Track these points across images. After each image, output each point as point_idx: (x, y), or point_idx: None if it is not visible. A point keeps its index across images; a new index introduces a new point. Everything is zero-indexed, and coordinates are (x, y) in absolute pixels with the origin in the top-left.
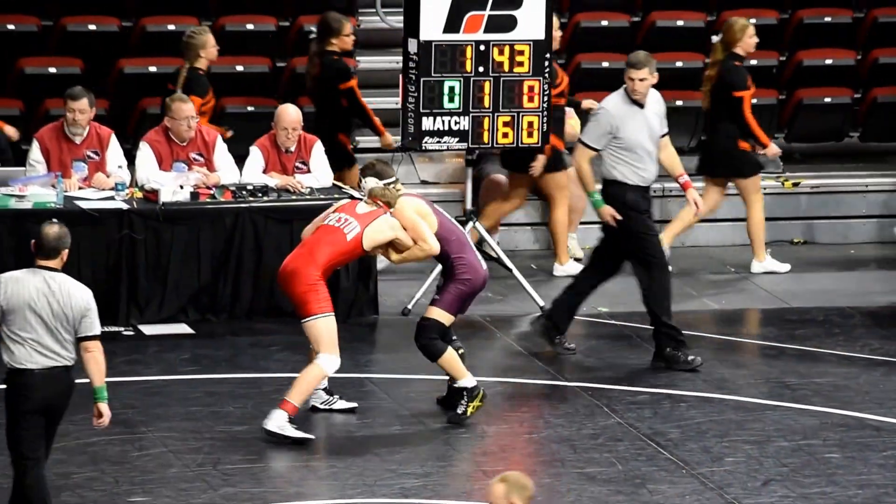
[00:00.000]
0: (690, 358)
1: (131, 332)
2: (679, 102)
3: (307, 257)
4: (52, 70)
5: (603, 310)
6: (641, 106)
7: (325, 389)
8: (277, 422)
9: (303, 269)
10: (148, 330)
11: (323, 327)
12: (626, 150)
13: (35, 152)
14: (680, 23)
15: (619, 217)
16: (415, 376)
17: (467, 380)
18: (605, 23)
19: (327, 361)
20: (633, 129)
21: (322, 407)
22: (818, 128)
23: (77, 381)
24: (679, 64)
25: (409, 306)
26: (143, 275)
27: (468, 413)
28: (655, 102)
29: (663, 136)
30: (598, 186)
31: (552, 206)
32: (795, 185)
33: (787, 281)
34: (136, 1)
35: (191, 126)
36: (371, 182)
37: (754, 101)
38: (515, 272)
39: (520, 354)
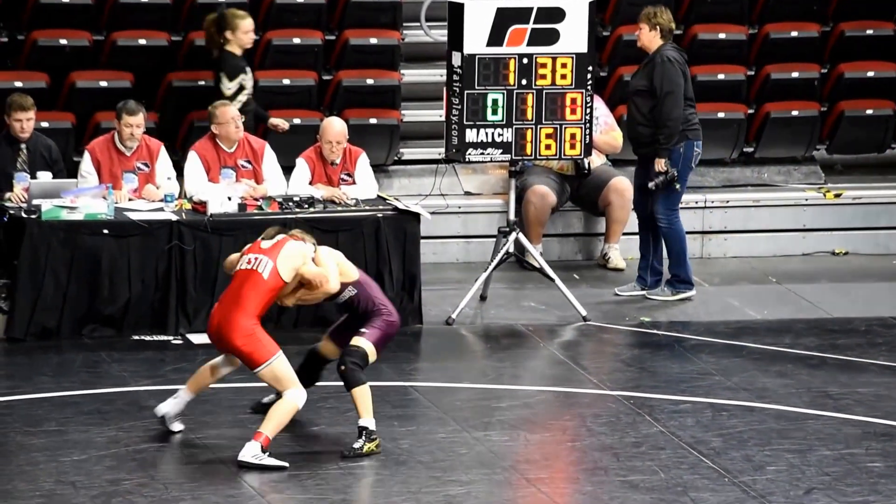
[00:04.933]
0: None
1: (180, 341)
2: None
3: (235, 308)
4: (103, 84)
5: (645, 320)
6: None
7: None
8: (252, 451)
9: (236, 321)
10: (196, 339)
11: (278, 370)
12: None
13: (86, 164)
14: (722, 35)
15: None
16: (458, 385)
17: (370, 420)
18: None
19: (295, 395)
20: None
21: (167, 415)
22: (859, 139)
23: (125, 388)
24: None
25: (453, 316)
26: (192, 285)
27: (365, 450)
28: None
29: None
30: None
31: None
32: (837, 195)
33: (828, 291)
34: (185, 16)
35: (238, 126)
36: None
37: (795, 112)
38: (558, 282)
39: (562, 363)
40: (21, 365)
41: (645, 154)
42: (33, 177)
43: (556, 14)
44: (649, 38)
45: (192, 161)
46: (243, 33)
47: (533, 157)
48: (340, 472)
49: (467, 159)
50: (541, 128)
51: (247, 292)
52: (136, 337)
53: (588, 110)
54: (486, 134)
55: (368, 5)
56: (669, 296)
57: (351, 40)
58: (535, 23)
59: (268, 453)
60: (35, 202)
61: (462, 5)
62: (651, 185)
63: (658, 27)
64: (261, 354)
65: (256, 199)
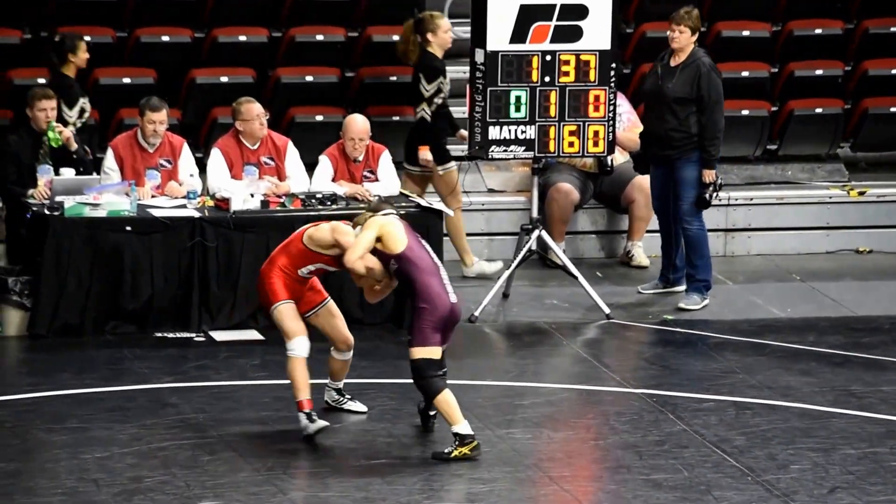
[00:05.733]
0: None
1: (202, 339)
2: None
3: (267, 262)
4: (127, 80)
5: (668, 318)
6: None
7: (337, 390)
8: (301, 423)
9: (262, 270)
10: (219, 336)
11: (278, 317)
12: None
13: (109, 160)
14: (746, 32)
15: None
16: (481, 382)
17: (462, 426)
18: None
19: (291, 349)
20: None
21: (332, 405)
22: (884, 137)
23: (147, 385)
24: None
25: (476, 314)
26: (215, 282)
27: (452, 455)
28: None
29: None
30: None
31: None
32: (861, 193)
33: (852, 289)
34: (209, 12)
35: (263, 124)
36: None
37: (819, 110)
38: (581, 279)
39: (585, 361)
40: (43, 362)
41: (668, 156)
42: (56, 171)
43: (580, 11)
44: (688, 41)
45: (215, 158)
46: (444, 32)
47: (556, 154)
48: (362, 469)
49: (490, 156)
50: (564, 125)
51: (278, 249)
52: (159, 334)
53: (611, 107)
54: (510, 131)
55: (391, 2)
56: (700, 303)
57: (374, 37)
58: (558, 20)
59: (312, 419)
60: (58, 199)
61: (485, 2)
62: (707, 196)
63: (697, 30)
64: (267, 297)
65: (279, 196)
